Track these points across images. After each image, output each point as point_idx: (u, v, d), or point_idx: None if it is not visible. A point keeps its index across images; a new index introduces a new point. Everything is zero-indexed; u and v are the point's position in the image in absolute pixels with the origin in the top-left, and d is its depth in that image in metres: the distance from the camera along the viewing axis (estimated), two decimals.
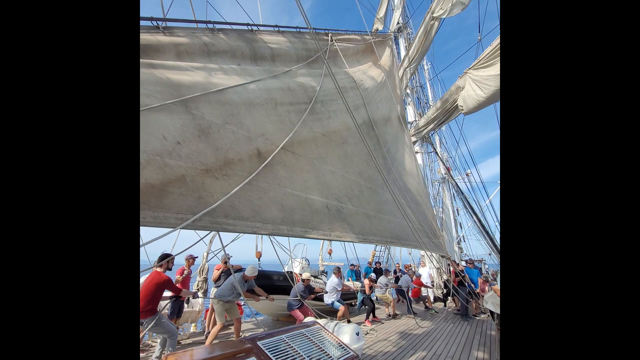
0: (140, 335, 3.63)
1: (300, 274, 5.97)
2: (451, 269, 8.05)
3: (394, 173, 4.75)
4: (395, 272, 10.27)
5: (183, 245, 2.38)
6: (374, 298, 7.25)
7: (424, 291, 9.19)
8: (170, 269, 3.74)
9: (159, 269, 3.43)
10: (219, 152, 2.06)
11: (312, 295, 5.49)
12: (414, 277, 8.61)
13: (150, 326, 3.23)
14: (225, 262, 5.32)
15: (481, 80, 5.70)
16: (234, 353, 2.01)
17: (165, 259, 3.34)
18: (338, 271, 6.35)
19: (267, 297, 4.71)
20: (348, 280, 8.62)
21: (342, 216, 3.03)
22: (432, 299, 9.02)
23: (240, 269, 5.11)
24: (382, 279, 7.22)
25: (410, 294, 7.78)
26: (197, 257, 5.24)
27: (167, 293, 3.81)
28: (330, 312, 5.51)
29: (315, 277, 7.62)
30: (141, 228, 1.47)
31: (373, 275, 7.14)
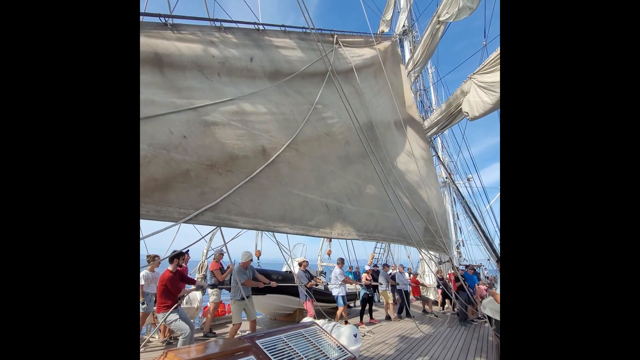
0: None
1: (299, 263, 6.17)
2: (449, 273, 8.03)
3: (394, 173, 4.74)
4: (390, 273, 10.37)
5: (183, 240, 2.40)
6: (375, 299, 7.36)
7: (424, 292, 9.20)
8: (181, 266, 4.01)
9: (169, 267, 3.73)
10: (224, 148, 2.05)
11: (313, 282, 5.71)
12: (405, 273, 8.75)
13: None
14: (222, 254, 5.35)
15: (487, 86, 5.69)
16: (233, 351, 2.00)
17: (176, 257, 3.74)
18: (341, 262, 6.41)
19: (269, 283, 4.76)
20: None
21: (342, 215, 3.02)
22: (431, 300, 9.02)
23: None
24: (381, 278, 7.34)
25: (410, 292, 7.91)
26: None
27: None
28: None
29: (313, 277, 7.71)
30: (142, 222, 1.47)
31: (365, 271, 7.35)
